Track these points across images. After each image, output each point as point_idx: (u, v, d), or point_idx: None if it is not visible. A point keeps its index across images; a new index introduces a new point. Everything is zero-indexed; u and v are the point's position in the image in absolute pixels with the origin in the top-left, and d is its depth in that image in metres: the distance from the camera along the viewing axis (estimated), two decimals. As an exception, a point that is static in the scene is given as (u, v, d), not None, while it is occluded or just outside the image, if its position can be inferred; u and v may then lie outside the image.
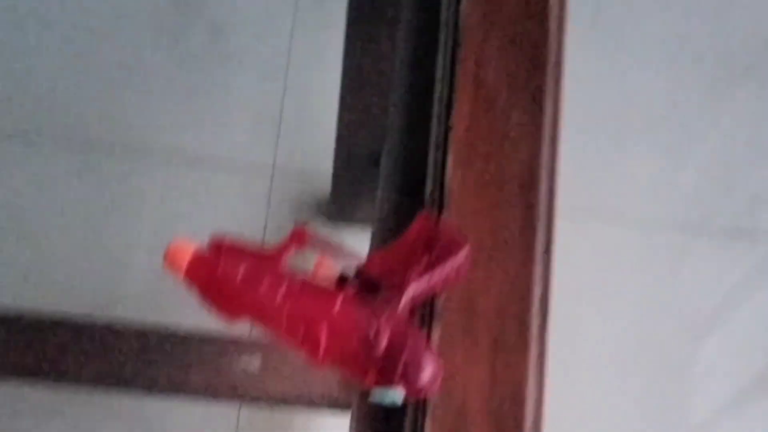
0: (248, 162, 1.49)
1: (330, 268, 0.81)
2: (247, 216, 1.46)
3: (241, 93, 1.52)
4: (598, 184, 1.54)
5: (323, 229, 1.46)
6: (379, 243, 0.88)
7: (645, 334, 1.46)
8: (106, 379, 0.97)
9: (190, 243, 0.78)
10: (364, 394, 0.83)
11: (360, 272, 0.80)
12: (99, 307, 1.37)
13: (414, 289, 0.79)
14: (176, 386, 1.00)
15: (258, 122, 1.51)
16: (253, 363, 1.02)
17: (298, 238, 0.81)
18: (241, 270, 0.77)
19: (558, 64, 0.92)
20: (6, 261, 1.39)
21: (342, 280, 0.80)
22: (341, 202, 1.43)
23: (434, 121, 0.88)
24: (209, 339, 0.99)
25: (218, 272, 0.77)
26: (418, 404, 0.81)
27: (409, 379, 0.76)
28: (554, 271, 0.87)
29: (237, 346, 1.01)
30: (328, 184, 1.40)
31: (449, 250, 0.81)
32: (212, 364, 0.99)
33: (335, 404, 1.03)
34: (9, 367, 0.94)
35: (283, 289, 0.77)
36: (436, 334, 0.82)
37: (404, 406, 0.79)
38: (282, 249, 0.80)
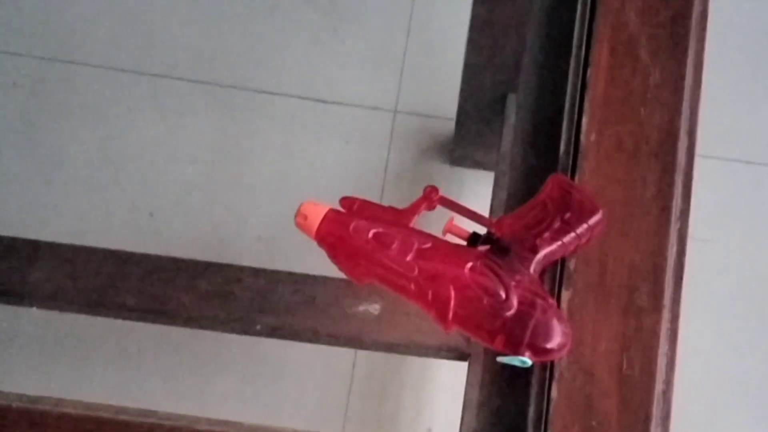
0: (370, 104, 1.47)
1: (460, 229, 0.80)
2: (369, 158, 1.45)
3: (365, 34, 1.50)
4: (740, 124, 1.49)
5: (445, 173, 1.44)
6: (507, 202, 0.87)
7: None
8: (223, 321, 0.98)
9: (322, 204, 0.78)
10: (489, 354, 0.83)
11: (490, 234, 0.79)
12: (219, 248, 1.39)
13: (545, 252, 0.78)
14: (293, 329, 1.01)
15: (381, 64, 1.49)
16: (372, 309, 1.02)
17: (429, 198, 0.80)
18: (372, 231, 0.77)
19: (703, 16, 0.88)
20: (132, 199, 1.42)
21: (473, 241, 0.79)
22: (464, 146, 1.41)
23: (570, 77, 0.85)
24: (328, 283, 0.99)
25: (349, 232, 0.76)
26: (545, 367, 0.80)
27: (537, 344, 0.75)
28: (689, 234, 0.84)
29: (357, 291, 1.01)
30: (451, 128, 1.38)
31: (582, 214, 0.79)
32: (331, 308, 0.99)
33: (454, 354, 1.02)
34: (129, 307, 0.96)
35: (413, 250, 0.77)
36: (566, 298, 0.80)
37: (531, 367, 0.78)
38: (412, 210, 0.79)
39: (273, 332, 1.03)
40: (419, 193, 0.82)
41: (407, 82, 1.49)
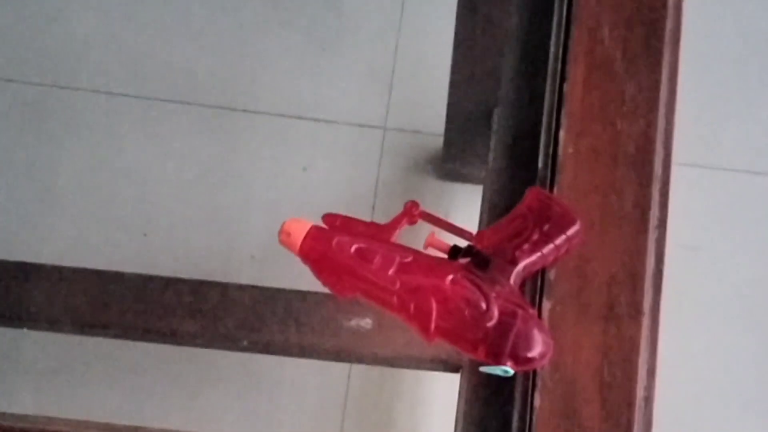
0: (360, 121, 1.50)
1: (441, 243, 0.82)
2: (359, 175, 1.47)
3: (353, 52, 1.52)
4: (720, 131, 1.51)
5: (435, 188, 1.46)
6: (489, 214, 0.88)
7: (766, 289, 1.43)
8: (217, 338, 1.00)
9: (305, 220, 0.80)
10: (475, 364, 0.84)
11: (471, 247, 0.81)
12: (213, 267, 1.40)
13: (525, 264, 0.80)
14: (287, 345, 1.02)
15: (370, 81, 1.51)
16: (364, 323, 1.04)
17: (410, 213, 0.82)
18: (354, 246, 0.78)
19: (677, 28, 0.90)
20: (126, 220, 1.44)
21: (453, 253, 0.81)
22: (453, 161, 1.43)
23: (547, 90, 0.87)
24: (321, 299, 1.01)
25: (332, 248, 0.78)
26: (527, 376, 0.82)
27: (518, 353, 0.77)
28: (668, 242, 0.86)
29: (348, 306, 1.03)
30: (440, 143, 1.40)
31: (561, 225, 0.81)
32: (323, 323, 1.01)
33: (446, 365, 1.04)
34: (121, 326, 0.98)
35: (394, 265, 0.78)
36: (547, 308, 0.82)
37: (514, 376, 0.80)
38: (394, 225, 0.81)
39: (265, 348, 1.04)
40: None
41: (396, 99, 1.51)
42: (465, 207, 1.37)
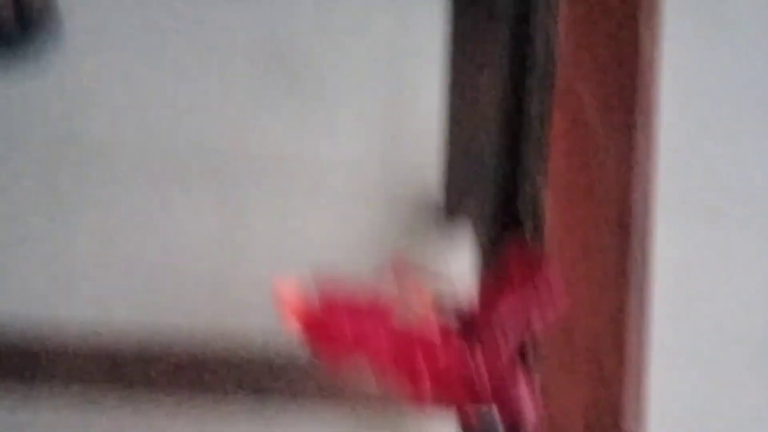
0: (357, 161, 1.50)
1: (427, 296, 0.83)
2: (361, 215, 1.48)
3: (345, 93, 1.53)
4: (705, 183, 1.52)
5: (435, 228, 1.47)
6: (476, 278, 0.90)
7: (757, 340, 1.44)
8: (217, 399, 1.01)
9: (294, 282, 0.81)
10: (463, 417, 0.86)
11: (458, 308, 0.83)
12: (213, 318, 1.42)
13: (512, 327, 0.82)
14: (283, 392, 1.03)
15: (365, 127, 1.53)
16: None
17: (397, 270, 0.84)
18: (346, 313, 0.80)
19: (652, 76, 0.91)
20: (128, 276, 1.47)
21: (440, 313, 0.83)
22: (452, 197, 1.44)
23: (529, 161, 0.89)
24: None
25: (324, 324, 0.80)
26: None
27: (508, 416, 0.79)
28: (652, 305, 0.88)
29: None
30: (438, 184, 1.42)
31: (543, 288, 0.83)
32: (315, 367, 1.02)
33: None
34: (116, 383, 0.99)
35: (384, 328, 0.80)
36: (534, 370, 0.84)
37: None
38: (381, 284, 0.82)
39: (258, 396, 1.06)
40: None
41: (393, 138, 1.52)
42: (466, 253, 1.38)
